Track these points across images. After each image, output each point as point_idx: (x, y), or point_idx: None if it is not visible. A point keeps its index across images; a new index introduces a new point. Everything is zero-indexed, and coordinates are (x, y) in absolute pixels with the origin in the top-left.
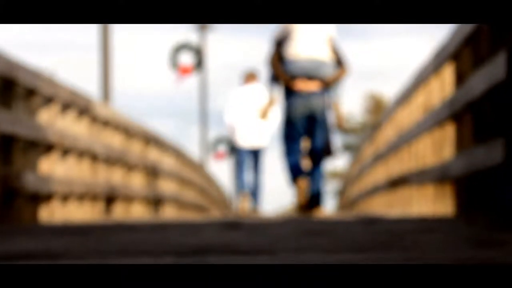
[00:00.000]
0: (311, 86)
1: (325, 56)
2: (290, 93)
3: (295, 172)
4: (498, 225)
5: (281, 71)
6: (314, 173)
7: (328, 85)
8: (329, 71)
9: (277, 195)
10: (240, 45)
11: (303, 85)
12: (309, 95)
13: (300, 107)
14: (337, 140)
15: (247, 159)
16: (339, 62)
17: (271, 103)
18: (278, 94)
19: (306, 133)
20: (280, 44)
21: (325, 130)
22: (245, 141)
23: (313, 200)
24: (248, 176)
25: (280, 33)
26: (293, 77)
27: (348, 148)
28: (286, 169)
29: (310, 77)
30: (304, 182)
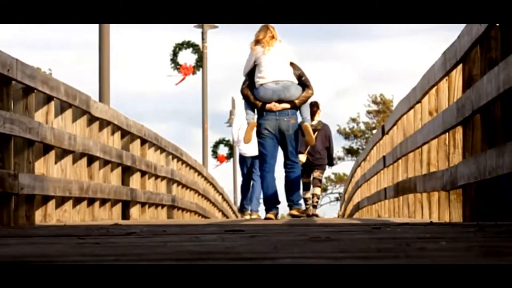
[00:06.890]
0: (281, 106)
1: (289, 77)
2: (262, 113)
3: (269, 195)
4: (508, 234)
5: (253, 97)
6: (292, 183)
7: (296, 106)
8: (295, 90)
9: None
10: (241, 45)
11: (273, 106)
12: (279, 113)
13: (272, 125)
14: (336, 148)
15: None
16: (305, 85)
17: (251, 127)
18: (254, 117)
19: (279, 146)
20: (250, 74)
21: (295, 143)
22: (252, 151)
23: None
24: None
25: (249, 67)
26: (265, 100)
27: (351, 152)
28: (263, 187)
29: (279, 97)
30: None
